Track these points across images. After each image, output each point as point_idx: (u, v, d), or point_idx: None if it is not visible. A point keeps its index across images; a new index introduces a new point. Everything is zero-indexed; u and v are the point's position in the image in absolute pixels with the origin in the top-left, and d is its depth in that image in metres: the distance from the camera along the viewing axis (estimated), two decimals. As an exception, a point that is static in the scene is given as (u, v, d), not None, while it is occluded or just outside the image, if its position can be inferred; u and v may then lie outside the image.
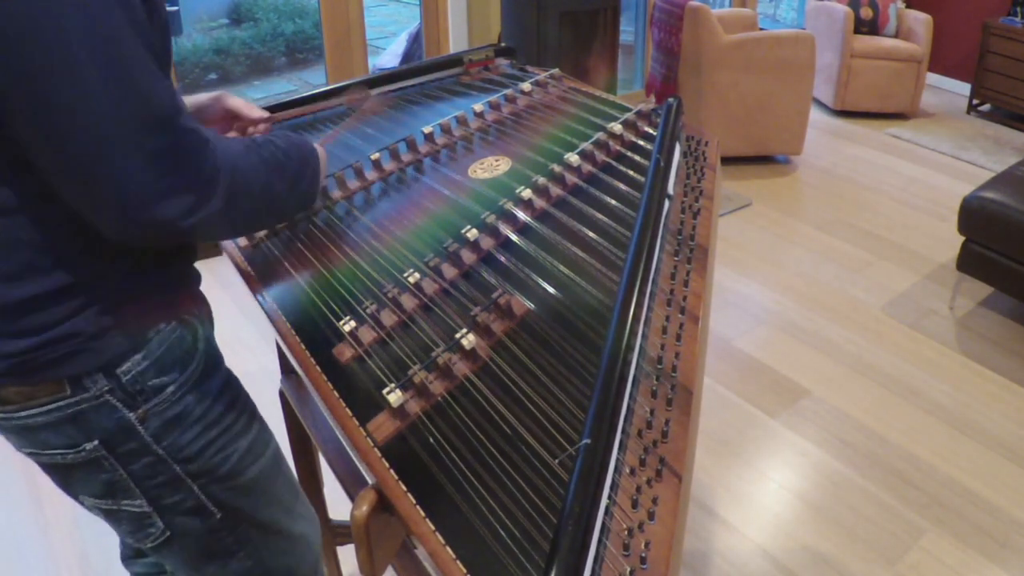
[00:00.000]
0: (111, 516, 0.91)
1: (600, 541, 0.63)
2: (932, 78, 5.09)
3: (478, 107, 1.37)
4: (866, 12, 4.63)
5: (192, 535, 0.92)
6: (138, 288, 0.83)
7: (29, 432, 0.82)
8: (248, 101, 1.15)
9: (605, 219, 1.07)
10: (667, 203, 1.08)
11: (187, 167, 0.72)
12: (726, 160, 3.84)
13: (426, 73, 1.60)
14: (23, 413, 0.80)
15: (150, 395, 0.84)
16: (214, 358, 0.93)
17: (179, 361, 0.86)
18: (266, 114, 1.16)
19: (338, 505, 1.52)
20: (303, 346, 0.90)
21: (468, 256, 1.00)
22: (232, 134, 1.13)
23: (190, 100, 1.10)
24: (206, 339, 0.92)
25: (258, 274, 1.05)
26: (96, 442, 0.82)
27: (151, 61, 0.71)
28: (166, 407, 0.85)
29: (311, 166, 0.97)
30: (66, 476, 0.87)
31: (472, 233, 1.01)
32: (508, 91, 1.46)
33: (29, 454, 0.86)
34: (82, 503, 0.91)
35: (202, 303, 0.94)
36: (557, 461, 0.72)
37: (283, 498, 1.01)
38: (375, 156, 1.23)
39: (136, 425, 0.83)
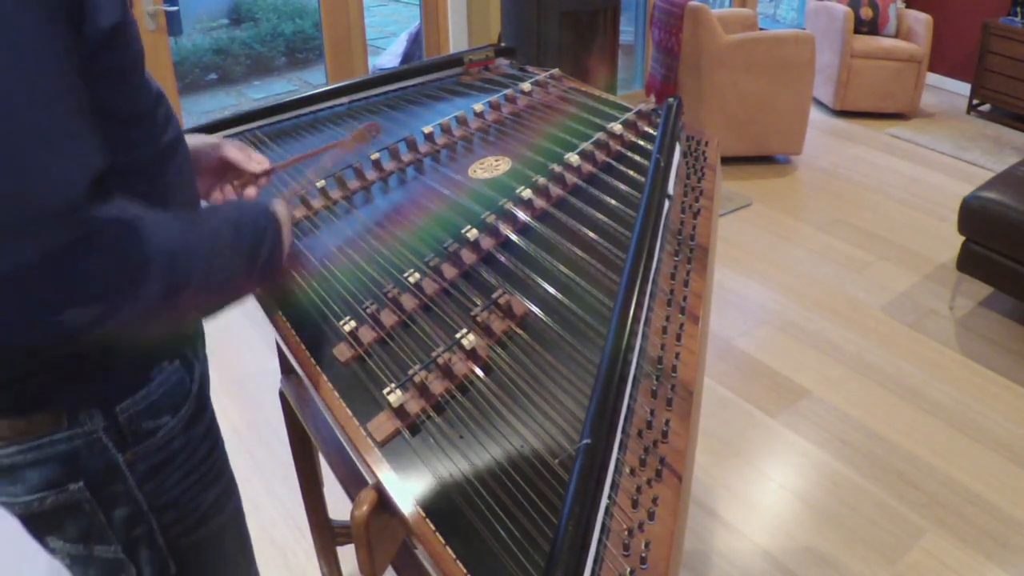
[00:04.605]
0: (79, 563, 0.85)
1: (600, 541, 0.63)
2: (932, 78, 5.09)
3: (478, 107, 1.37)
4: (866, 12, 4.63)
5: None
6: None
7: (11, 472, 0.77)
8: (249, 150, 1.07)
9: (605, 219, 1.07)
10: (667, 203, 1.08)
11: (96, 270, 0.59)
12: (726, 160, 3.84)
13: (426, 73, 1.60)
14: (11, 449, 0.76)
15: (142, 438, 0.80)
16: (204, 400, 0.90)
17: (174, 405, 0.83)
18: (266, 165, 1.07)
19: (338, 505, 1.52)
20: (303, 346, 0.90)
21: (468, 256, 1.00)
22: (228, 189, 1.07)
23: (191, 140, 1.01)
24: (200, 378, 0.89)
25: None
26: (81, 483, 0.78)
27: (74, 121, 0.59)
28: (154, 451, 0.82)
29: (269, 234, 0.84)
30: (39, 521, 0.82)
31: (472, 233, 1.01)
32: (508, 91, 1.46)
33: (3, 503, 0.80)
34: (50, 549, 0.84)
35: (201, 335, 0.91)
36: (557, 461, 0.72)
37: (237, 561, 0.97)
38: (375, 156, 1.23)
39: (123, 468, 0.80)
